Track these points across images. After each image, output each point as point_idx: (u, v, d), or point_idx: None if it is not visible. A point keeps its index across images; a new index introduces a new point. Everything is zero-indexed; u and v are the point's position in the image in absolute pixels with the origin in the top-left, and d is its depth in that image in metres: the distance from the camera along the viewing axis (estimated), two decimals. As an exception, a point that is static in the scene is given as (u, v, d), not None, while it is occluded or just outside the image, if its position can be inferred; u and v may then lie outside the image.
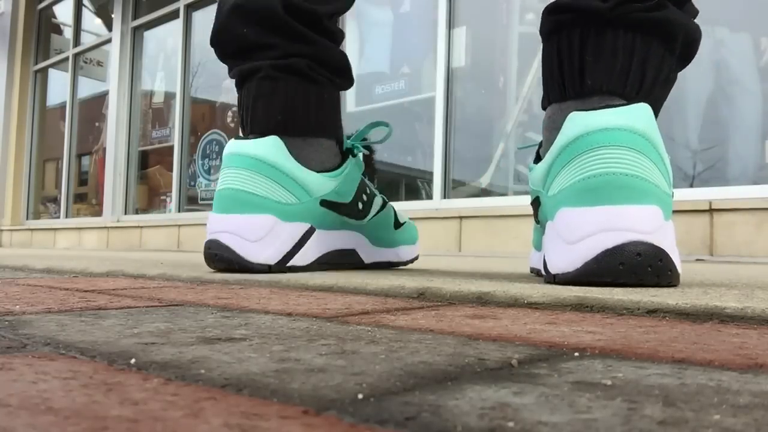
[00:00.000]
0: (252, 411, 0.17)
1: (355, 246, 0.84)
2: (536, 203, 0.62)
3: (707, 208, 1.70)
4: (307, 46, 0.79)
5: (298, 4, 0.78)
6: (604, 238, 0.51)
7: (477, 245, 2.22)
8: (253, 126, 0.79)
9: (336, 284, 0.56)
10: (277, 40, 0.78)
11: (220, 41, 0.83)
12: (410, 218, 0.97)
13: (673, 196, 0.56)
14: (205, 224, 0.78)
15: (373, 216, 0.86)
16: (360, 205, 0.84)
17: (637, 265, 0.51)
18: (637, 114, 0.54)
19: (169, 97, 3.89)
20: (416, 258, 0.94)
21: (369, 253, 0.86)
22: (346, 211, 0.81)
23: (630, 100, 0.57)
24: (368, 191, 0.86)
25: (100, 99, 4.35)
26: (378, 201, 0.88)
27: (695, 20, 0.62)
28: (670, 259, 0.52)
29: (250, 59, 0.80)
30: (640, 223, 0.51)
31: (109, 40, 4.20)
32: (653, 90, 0.59)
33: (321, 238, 0.79)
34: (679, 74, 0.65)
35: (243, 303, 0.45)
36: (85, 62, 4.55)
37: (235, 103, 1.68)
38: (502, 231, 2.14)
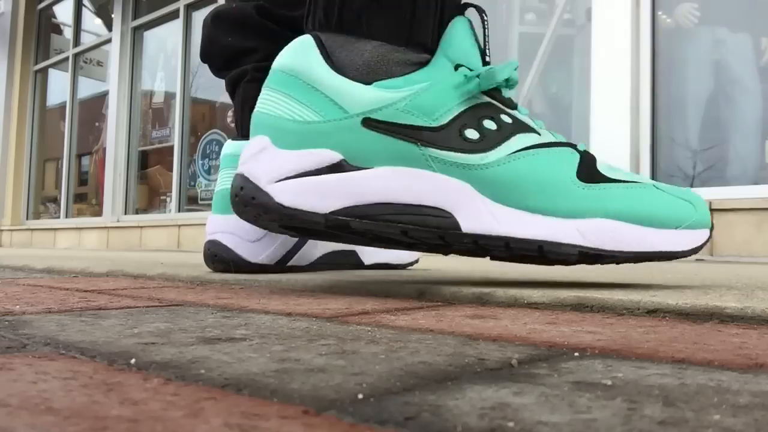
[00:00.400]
0: (252, 411, 0.17)
1: (354, 247, 0.84)
2: None
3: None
4: None
5: (271, 9, 0.78)
6: None
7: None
8: (243, 129, 0.78)
9: (336, 284, 0.56)
10: (258, 43, 0.78)
11: (208, 53, 0.84)
12: None
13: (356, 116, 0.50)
14: (205, 224, 0.78)
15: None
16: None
17: (234, 197, 0.52)
18: (283, 51, 0.53)
19: (169, 97, 3.89)
20: (416, 261, 0.94)
21: (369, 254, 0.86)
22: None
23: (319, 29, 0.54)
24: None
25: (100, 99, 4.35)
26: None
27: None
28: (252, 184, 0.50)
29: (236, 67, 0.80)
30: (242, 156, 0.52)
31: (109, 40, 4.20)
32: (335, 18, 0.53)
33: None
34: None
35: (243, 303, 0.45)
36: (85, 62, 4.55)
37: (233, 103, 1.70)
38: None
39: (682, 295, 0.42)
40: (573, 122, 2.27)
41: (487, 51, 0.52)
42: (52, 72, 4.88)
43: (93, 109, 4.46)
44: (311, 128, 0.50)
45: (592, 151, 0.54)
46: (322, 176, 0.49)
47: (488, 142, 0.50)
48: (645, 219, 0.48)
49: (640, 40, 1.92)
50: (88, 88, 4.56)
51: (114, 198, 3.99)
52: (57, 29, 4.93)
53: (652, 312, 0.39)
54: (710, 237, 0.51)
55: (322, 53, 0.52)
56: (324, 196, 0.49)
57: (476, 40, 0.52)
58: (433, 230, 0.49)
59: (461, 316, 0.38)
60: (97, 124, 4.39)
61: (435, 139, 0.49)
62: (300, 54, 0.52)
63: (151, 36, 4.06)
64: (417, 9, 0.52)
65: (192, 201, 3.65)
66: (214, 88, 3.65)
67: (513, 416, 0.16)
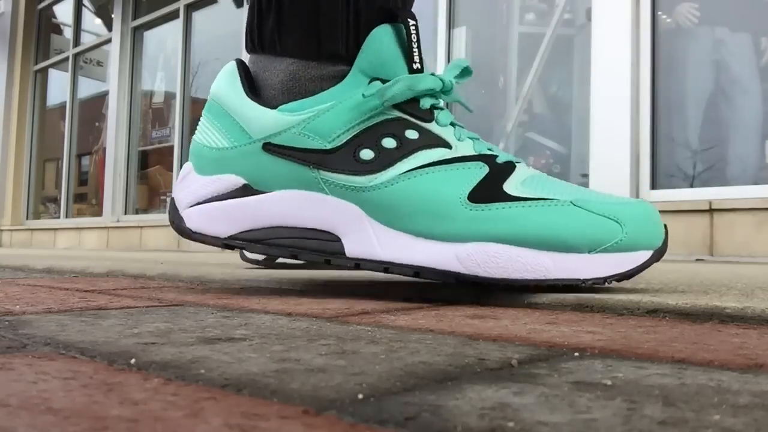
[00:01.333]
0: (252, 411, 0.17)
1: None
2: None
3: (707, 208, 1.70)
4: None
5: None
6: None
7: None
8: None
9: (336, 284, 0.56)
10: None
11: None
12: None
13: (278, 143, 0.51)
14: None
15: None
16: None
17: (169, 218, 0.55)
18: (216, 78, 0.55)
19: (169, 97, 3.89)
20: None
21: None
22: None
23: (249, 51, 0.56)
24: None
25: (100, 99, 4.35)
26: None
27: None
28: (175, 209, 0.54)
29: None
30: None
31: (109, 40, 4.20)
32: (257, 39, 0.54)
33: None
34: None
35: (243, 303, 0.45)
36: (85, 62, 4.55)
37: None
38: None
39: (682, 295, 0.42)
40: (573, 122, 2.27)
41: (415, 58, 0.50)
42: (52, 72, 4.88)
43: (93, 109, 4.45)
44: (222, 154, 0.52)
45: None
46: (226, 201, 0.52)
47: (382, 162, 0.48)
48: (542, 242, 0.44)
49: (640, 40, 1.92)
50: (88, 88, 4.56)
51: (114, 198, 3.99)
52: (57, 29, 4.93)
53: (652, 312, 0.39)
54: (656, 259, 0.46)
55: (241, 78, 0.53)
56: (225, 221, 0.51)
57: (414, 46, 0.50)
58: (320, 254, 0.50)
59: (461, 316, 0.38)
60: (97, 124, 4.39)
61: (327, 161, 0.49)
62: (223, 81, 0.54)
63: (151, 36, 4.06)
64: (320, 20, 0.51)
65: (192, 201, 3.65)
66: (214, 88, 3.64)
67: (513, 416, 0.16)
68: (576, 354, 0.26)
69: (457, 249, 0.46)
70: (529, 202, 0.46)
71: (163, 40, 3.96)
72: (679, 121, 1.95)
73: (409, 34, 0.50)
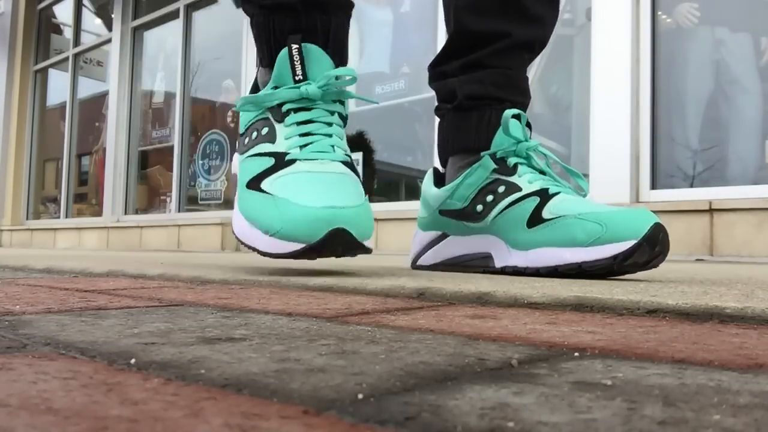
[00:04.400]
0: (252, 411, 0.17)
1: (489, 249, 0.78)
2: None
3: (707, 208, 1.70)
4: None
5: None
6: None
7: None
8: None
9: (336, 284, 0.56)
10: None
11: None
12: (412, 218, 0.96)
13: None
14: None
15: (497, 215, 0.75)
16: (479, 208, 0.77)
17: None
18: None
19: (169, 97, 3.89)
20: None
21: (503, 257, 0.76)
22: (463, 216, 0.80)
23: None
24: (498, 190, 0.76)
25: (100, 99, 4.35)
26: (508, 198, 0.75)
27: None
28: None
29: None
30: None
31: (109, 40, 4.20)
32: None
33: (451, 242, 0.84)
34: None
35: (243, 303, 0.45)
36: (85, 62, 4.55)
37: (233, 103, 1.51)
38: (502, 231, 2.14)
39: (682, 295, 0.42)
40: (573, 122, 2.27)
41: (297, 72, 0.69)
42: (52, 72, 4.88)
43: (93, 109, 4.45)
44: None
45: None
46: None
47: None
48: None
49: (640, 40, 1.92)
50: (88, 88, 4.56)
51: (114, 198, 3.99)
52: (57, 29, 4.93)
53: (652, 312, 0.39)
54: (309, 248, 0.61)
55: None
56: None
57: (296, 64, 0.69)
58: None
59: (461, 316, 0.38)
60: (97, 124, 4.39)
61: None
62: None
63: (151, 36, 4.06)
64: (259, 44, 0.75)
65: (192, 201, 3.65)
66: (214, 88, 3.65)
67: (513, 416, 0.16)
68: (576, 354, 0.26)
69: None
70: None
71: (163, 40, 3.96)
72: (679, 121, 1.95)
73: (291, 55, 0.69)
